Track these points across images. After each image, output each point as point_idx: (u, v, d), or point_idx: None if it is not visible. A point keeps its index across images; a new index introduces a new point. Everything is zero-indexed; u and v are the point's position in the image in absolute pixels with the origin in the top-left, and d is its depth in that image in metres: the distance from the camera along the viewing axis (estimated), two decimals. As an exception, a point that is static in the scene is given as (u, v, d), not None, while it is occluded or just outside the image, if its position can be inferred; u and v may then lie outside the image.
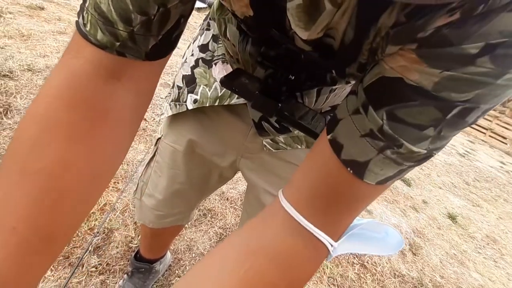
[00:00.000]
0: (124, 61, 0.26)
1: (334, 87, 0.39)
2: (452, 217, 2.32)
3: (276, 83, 0.35)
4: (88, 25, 0.24)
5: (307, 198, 0.26)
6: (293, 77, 0.34)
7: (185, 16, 0.28)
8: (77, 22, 0.25)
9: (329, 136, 0.25)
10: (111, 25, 0.24)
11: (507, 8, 0.16)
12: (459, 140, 5.24)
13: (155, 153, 0.60)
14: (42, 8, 2.28)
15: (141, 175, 0.64)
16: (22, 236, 0.22)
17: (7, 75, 1.45)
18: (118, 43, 0.25)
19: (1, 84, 1.38)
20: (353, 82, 0.38)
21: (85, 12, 0.24)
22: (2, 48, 1.61)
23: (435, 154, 0.23)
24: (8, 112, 1.28)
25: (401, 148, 0.22)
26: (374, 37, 0.23)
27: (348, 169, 0.24)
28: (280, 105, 0.34)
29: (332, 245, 0.26)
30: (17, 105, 1.33)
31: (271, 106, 0.34)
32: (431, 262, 1.69)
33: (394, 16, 0.20)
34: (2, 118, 1.25)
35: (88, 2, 0.24)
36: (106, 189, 1.21)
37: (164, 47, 0.28)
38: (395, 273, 1.49)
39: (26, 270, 0.23)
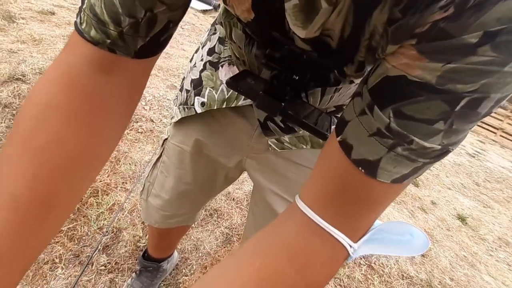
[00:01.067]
0: (115, 57, 0.28)
1: (338, 86, 0.39)
2: (461, 219, 2.27)
3: (280, 83, 0.35)
4: (84, 24, 0.27)
5: (323, 199, 0.26)
6: (297, 77, 0.35)
7: (174, 22, 0.30)
8: (75, 22, 0.28)
9: (338, 138, 0.25)
10: (103, 25, 0.26)
11: None
12: (468, 140, 5.12)
13: (161, 153, 0.61)
14: (53, 13, 2.34)
15: (148, 175, 0.65)
16: (21, 201, 0.24)
17: (20, 78, 1.50)
18: (109, 41, 0.27)
19: (14, 87, 1.43)
20: (357, 81, 0.39)
21: (82, 13, 0.27)
22: (15, 52, 1.66)
23: (452, 149, 0.23)
24: (21, 115, 1.32)
25: (412, 144, 0.22)
26: (370, 34, 0.23)
27: (360, 168, 0.24)
28: (283, 104, 0.34)
29: (351, 246, 0.26)
30: (29, 108, 1.36)
31: (275, 106, 0.35)
32: (441, 264, 1.66)
33: (386, 11, 0.21)
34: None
35: (85, 4, 0.27)
36: (115, 189, 1.23)
37: (152, 48, 0.30)
38: (403, 275, 1.47)
39: (25, 237, 0.24)
